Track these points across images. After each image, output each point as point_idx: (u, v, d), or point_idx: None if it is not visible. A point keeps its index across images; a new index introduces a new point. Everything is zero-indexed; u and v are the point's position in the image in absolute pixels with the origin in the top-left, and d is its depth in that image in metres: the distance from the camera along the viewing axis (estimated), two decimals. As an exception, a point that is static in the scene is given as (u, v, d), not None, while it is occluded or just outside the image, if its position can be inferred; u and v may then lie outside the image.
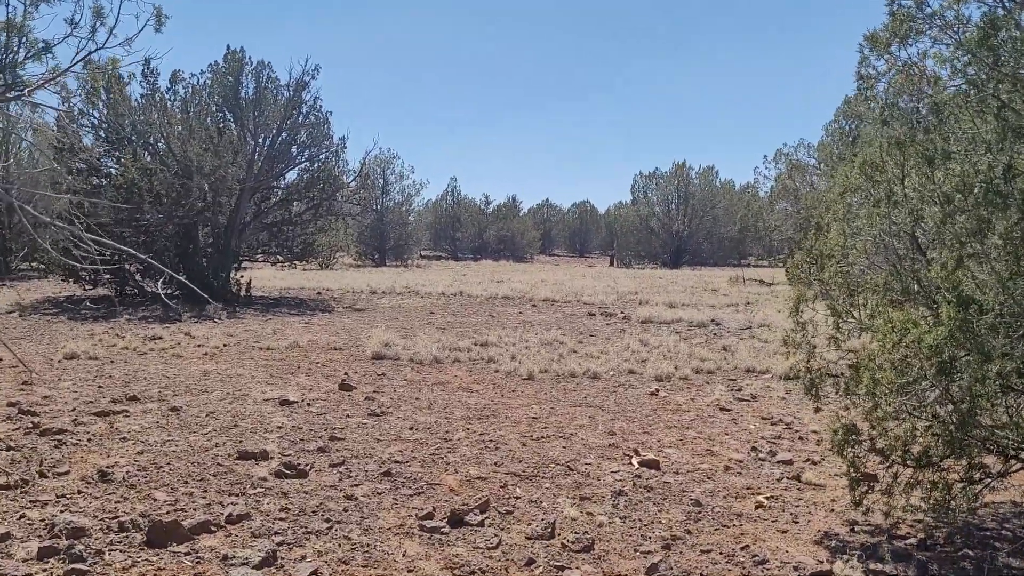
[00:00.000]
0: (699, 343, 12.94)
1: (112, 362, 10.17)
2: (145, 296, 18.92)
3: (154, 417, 7.16)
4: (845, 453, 4.64)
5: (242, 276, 20.15)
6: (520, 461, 6.12)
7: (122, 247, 5.94)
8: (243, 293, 19.48)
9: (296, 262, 23.15)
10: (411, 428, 7.10)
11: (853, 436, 4.55)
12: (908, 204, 4.60)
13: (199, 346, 11.74)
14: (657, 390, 9.10)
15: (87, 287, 18.83)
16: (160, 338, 12.40)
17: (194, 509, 4.78)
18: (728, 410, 8.21)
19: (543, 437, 6.90)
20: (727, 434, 7.23)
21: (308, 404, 7.93)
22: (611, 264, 52.45)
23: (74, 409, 7.37)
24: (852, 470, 4.60)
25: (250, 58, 19.56)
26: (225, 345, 11.92)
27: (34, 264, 24.63)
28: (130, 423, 6.90)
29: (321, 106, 20.57)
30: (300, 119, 20.20)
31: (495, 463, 6.05)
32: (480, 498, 5.11)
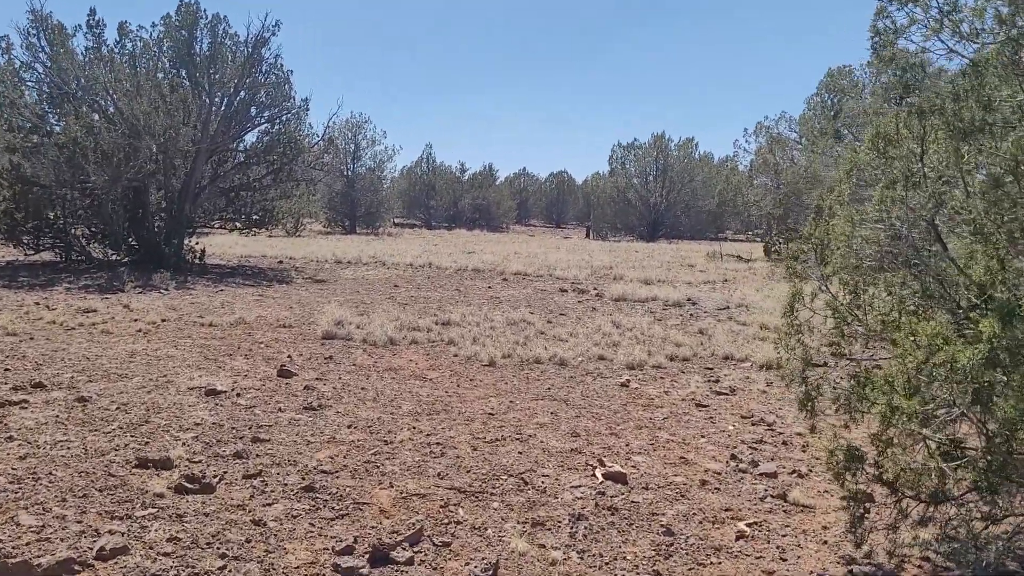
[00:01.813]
0: (674, 325, 12.19)
1: (32, 339, 9.23)
2: (92, 262, 17.87)
3: (55, 409, 6.28)
4: (845, 483, 3.90)
5: (197, 243, 19.10)
6: (468, 472, 5.33)
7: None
8: (197, 261, 18.46)
9: (255, 229, 22.04)
10: (349, 426, 6.28)
11: (856, 464, 3.80)
12: (930, 186, 3.80)
13: (135, 320, 10.81)
14: (628, 380, 8.34)
15: (28, 252, 17.74)
16: (94, 311, 11.44)
17: (61, 539, 3.94)
18: (705, 406, 7.47)
19: (498, 439, 6.11)
20: (703, 436, 6.49)
21: (237, 394, 7.07)
22: (587, 236, 51.56)
23: (-34, 399, 6.47)
24: (853, 504, 3.86)
25: (205, 11, 18.34)
26: (164, 320, 11.00)
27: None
28: (25, 417, 6.02)
29: (282, 64, 19.48)
30: (260, 78, 19.05)
31: (438, 474, 5.25)
32: (414, 524, 4.32)
